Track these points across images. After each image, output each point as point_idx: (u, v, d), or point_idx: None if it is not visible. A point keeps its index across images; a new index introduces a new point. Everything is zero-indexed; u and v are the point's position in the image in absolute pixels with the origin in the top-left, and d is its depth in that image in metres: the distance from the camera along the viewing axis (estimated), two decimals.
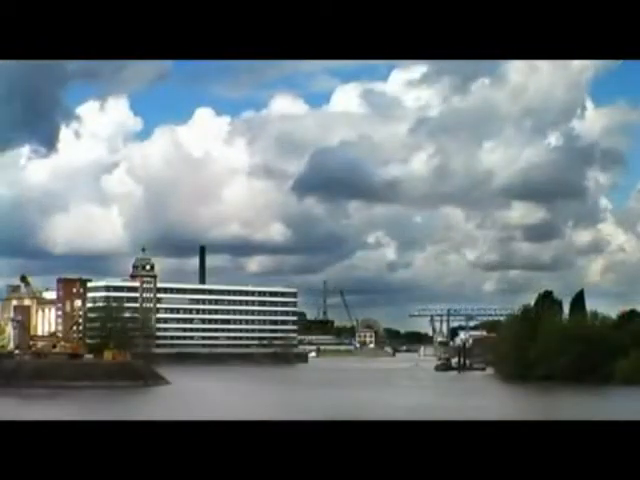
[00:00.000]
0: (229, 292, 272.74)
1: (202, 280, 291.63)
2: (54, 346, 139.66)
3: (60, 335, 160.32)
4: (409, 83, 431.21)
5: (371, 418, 58.63)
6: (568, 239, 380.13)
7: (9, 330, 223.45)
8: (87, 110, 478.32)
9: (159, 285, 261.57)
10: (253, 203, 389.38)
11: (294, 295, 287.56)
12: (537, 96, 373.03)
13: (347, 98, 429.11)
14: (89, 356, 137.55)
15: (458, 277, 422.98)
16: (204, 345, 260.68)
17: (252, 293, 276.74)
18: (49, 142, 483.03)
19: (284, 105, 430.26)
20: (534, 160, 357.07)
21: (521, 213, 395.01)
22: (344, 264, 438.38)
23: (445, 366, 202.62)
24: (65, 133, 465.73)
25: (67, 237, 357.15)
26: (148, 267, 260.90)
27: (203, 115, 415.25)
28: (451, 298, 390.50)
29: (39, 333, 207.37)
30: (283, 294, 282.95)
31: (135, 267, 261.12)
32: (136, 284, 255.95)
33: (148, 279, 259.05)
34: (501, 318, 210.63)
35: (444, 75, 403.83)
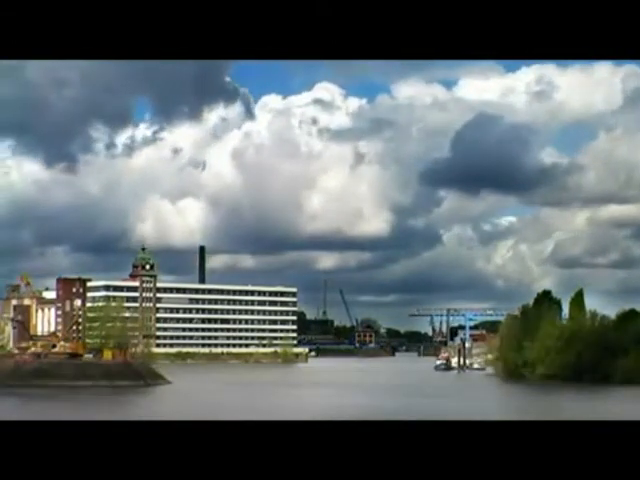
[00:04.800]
0: (228, 292, 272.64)
1: (202, 280, 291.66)
2: (54, 346, 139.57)
3: (60, 335, 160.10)
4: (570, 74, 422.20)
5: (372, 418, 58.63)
6: None
7: (9, 330, 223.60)
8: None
9: (158, 285, 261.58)
10: (358, 195, 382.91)
11: (294, 295, 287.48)
12: None
13: (493, 86, 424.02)
14: (89, 356, 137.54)
15: (521, 275, 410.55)
16: (203, 345, 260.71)
17: (252, 293, 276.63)
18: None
19: (416, 91, 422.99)
20: None
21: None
22: (412, 261, 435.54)
23: (445, 366, 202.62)
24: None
25: (152, 232, 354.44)
26: (148, 266, 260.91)
27: (323, 98, 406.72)
28: (500, 296, 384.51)
29: (39, 333, 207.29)
30: (283, 294, 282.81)
31: (135, 266, 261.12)
32: (136, 284, 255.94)
33: (148, 279, 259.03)
34: (501, 318, 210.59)
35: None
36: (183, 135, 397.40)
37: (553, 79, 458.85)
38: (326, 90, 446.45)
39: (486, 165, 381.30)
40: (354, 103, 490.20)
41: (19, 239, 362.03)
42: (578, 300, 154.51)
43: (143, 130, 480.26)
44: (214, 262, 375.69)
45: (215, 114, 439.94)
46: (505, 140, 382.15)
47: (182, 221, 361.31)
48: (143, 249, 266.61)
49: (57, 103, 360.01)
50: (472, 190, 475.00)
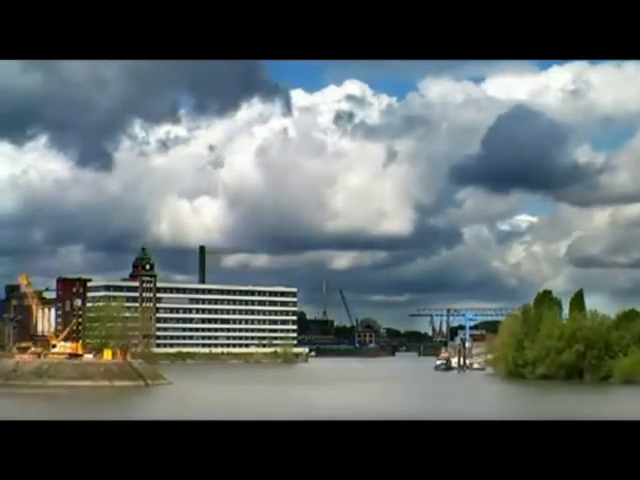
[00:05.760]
0: (229, 292, 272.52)
1: (202, 280, 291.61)
2: (54, 346, 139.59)
3: (60, 335, 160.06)
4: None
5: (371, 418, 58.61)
6: None
7: (9, 330, 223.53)
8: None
9: (159, 285, 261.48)
10: (382, 194, 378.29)
11: (294, 295, 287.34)
12: None
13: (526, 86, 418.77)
14: (89, 356, 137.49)
15: (532, 275, 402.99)
16: (204, 345, 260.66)
17: (252, 293, 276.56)
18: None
19: (446, 89, 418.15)
20: None
21: None
22: (429, 260, 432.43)
23: (445, 366, 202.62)
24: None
25: (172, 231, 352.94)
26: (148, 266, 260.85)
27: (355, 94, 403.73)
28: (515, 296, 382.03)
29: (39, 333, 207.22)
30: (283, 294, 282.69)
31: (135, 266, 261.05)
32: (136, 284, 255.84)
33: (148, 279, 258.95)
34: (501, 318, 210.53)
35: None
36: (208, 133, 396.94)
37: (586, 77, 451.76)
38: (353, 88, 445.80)
39: (515, 164, 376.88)
40: (382, 101, 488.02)
41: (34, 238, 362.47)
42: (578, 300, 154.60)
43: (174, 129, 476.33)
44: (230, 261, 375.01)
45: (248, 112, 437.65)
46: (536, 138, 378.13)
47: (201, 220, 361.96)
48: (143, 249, 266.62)
49: (91, 101, 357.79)
50: (499, 189, 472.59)
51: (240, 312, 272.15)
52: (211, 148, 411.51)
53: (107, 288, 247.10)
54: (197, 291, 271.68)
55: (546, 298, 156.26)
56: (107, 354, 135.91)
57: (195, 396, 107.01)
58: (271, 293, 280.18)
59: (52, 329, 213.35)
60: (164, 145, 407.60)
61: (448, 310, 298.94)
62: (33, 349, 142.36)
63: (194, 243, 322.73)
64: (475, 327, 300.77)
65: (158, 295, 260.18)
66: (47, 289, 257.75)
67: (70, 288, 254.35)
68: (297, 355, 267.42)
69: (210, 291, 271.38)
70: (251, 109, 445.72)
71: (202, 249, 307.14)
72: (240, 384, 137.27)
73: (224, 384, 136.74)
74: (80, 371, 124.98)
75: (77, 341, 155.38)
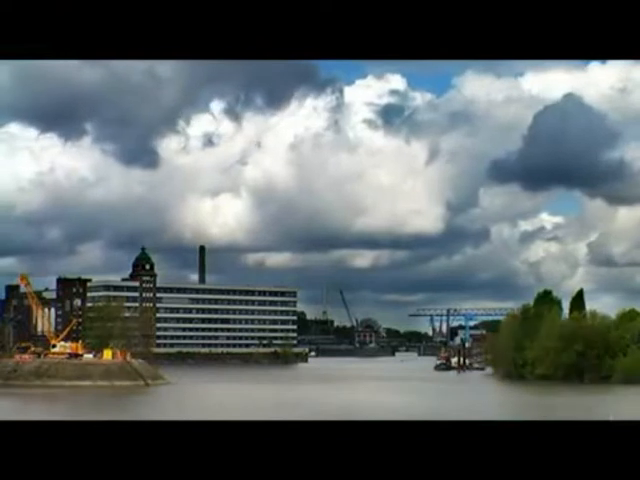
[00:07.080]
0: (229, 291, 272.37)
1: (202, 279, 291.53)
2: (54, 346, 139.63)
3: (60, 335, 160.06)
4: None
5: (370, 418, 58.67)
6: None
7: (9, 330, 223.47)
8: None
9: (159, 285, 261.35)
10: (414, 192, 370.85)
11: (294, 295, 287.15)
12: None
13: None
14: (89, 356, 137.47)
15: (549, 275, 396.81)
16: (204, 345, 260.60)
17: (252, 292, 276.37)
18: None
19: (486, 86, 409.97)
20: None
21: None
22: (450, 259, 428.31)
23: (445, 366, 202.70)
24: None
25: (191, 229, 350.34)
26: (148, 266, 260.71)
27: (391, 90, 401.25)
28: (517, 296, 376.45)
29: (39, 333, 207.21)
30: (283, 294, 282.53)
31: (135, 266, 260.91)
32: (136, 284, 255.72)
33: (148, 278, 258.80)
34: (501, 318, 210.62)
35: None
36: (251, 130, 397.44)
37: (631, 74, 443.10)
38: (395, 83, 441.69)
39: (556, 161, 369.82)
40: (425, 97, 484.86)
41: (58, 236, 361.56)
42: (578, 300, 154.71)
43: (218, 126, 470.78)
44: (249, 260, 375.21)
45: (295, 106, 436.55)
46: (580, 135, 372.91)
47: (225, 217, 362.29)
48: (143, 249, 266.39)
49: (139, 97, 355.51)
50: (536, 186, 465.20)
51: (240, 312, 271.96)
52: (258, 145, 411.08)
53: (107, 288, 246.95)
54: (197, 291, 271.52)
55: (546, 298, 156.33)
56: (107, 354, 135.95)
57: (196, 396, 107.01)
58: (271, 293, 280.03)
59: (52, 329, 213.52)
60: (210, 142, 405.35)
61: (448, 310, 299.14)
62: (33, 349, 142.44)
63: (219, 241, 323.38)
64: (475, 327, 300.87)
65: (158, 295, 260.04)
66: (47, 289, 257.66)
67: (70, 288, 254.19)
68: (297, 355, 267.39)
69: (210, 291, 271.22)
70: (299, 105, 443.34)
71: (202, 249, 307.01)
72: (241, 384, 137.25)
73: (224, 384, 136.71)
74: (80, 371, 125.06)
75: (77, 341, 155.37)
